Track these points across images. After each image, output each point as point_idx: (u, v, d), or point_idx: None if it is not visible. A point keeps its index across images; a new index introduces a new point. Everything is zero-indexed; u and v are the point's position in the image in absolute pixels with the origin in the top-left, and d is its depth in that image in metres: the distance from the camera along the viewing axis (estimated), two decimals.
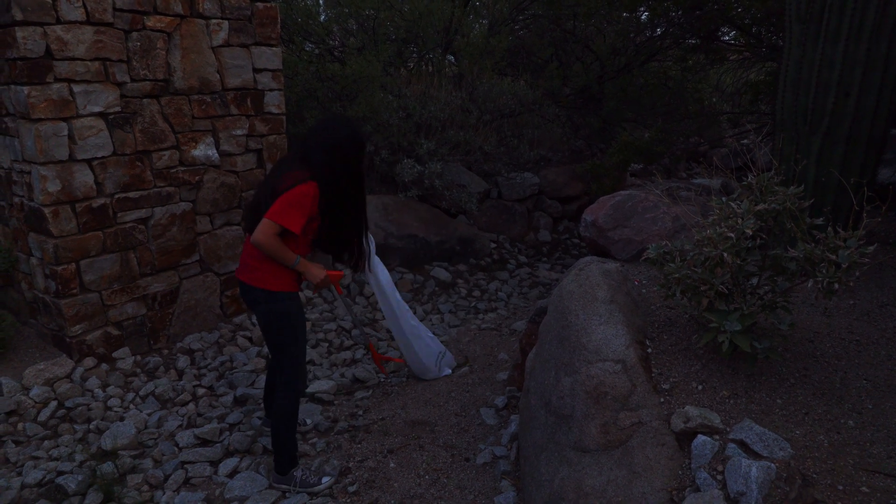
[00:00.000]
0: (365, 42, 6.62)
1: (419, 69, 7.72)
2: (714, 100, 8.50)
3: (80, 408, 3.50)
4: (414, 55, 7.66)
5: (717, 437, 2.04)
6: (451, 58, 7.76)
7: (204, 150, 4.24)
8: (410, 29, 6.89)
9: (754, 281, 2.41)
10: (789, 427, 2.05)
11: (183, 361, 4.07)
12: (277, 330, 2.81)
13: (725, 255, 2.18)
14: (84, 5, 3.50)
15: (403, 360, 3.86)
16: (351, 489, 2.88)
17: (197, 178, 4.24)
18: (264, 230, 2.60)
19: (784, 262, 2.28)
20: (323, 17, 6.99)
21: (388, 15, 6.80)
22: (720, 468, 1.95)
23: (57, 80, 3.47)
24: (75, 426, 3.42)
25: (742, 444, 1.98)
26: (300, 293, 3.07)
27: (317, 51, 6.83)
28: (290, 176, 2.66)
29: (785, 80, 3.22)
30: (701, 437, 2.05)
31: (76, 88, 3.55)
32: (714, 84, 8.66)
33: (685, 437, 2.12)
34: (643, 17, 7.85)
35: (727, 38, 7.67)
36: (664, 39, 7.51)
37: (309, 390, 3.73)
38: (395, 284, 5.36)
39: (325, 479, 2.92)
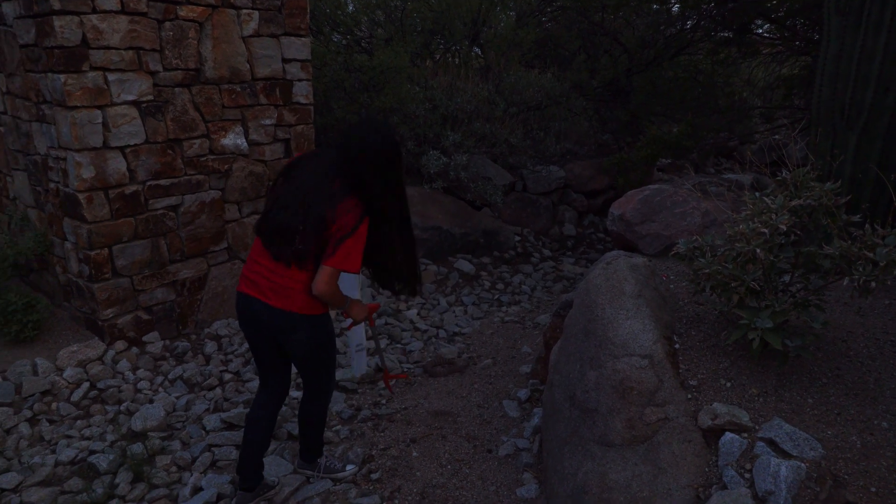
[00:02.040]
0: (392, 33, 6.62)
1: (446, 61, 7.71)
2: (745, 94, 8.35)
3: (111, 389, 3.57)
4: (441, 47, 7.65)
5: (746, 434, 2.02)
6: (478, 50, 7.73)
7: (233, 139, 4.29)
8: (438, 20, 6.88)
9: (786, 278, 2.37)
10: (821, 427, 2.02)
11: (210, 347, 4.13)
12: (317, 356, 2.58)
13: (758, 250, 2.15)
14: None
15: (406, 375, 3.91)
16: (374, 476, 2.90)
17: (226, 166, 4.28)
18: (329, 280, 2.31)
19: (818, 259, 2.24)
20: (351, 8, 7.01)
21: (416, 6, 6.80)
22: (748, 466, 1.93)
23: (92, 68, 3.53)
24: (106, 407, 3.50)
25: (771, 443, 1.95)
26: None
27: (344, 41, 6.85)
28: (341, 204, 2.31)
29: (822, 74, 3.15)
30: (729, 435, 2.03)
31: (111, 77, 3.61)
32: (745, 78, 8.51)
33: (712, 435, 2.10)
34: (674, 9, 7.74)
35: (760, 31, 7.53)
36: (695, 32, 7.40)
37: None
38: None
39: (349, 467, 2.94)
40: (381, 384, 3.80)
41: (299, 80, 4.62)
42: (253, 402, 2.74)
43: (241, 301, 2.50)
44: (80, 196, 3.62)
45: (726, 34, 7.16)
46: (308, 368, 2.62)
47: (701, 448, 2.09)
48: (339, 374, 3.79)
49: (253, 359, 2.70)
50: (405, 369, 4.00)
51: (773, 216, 2.20)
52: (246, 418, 2.69)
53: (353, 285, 3.13)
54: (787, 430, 1.96)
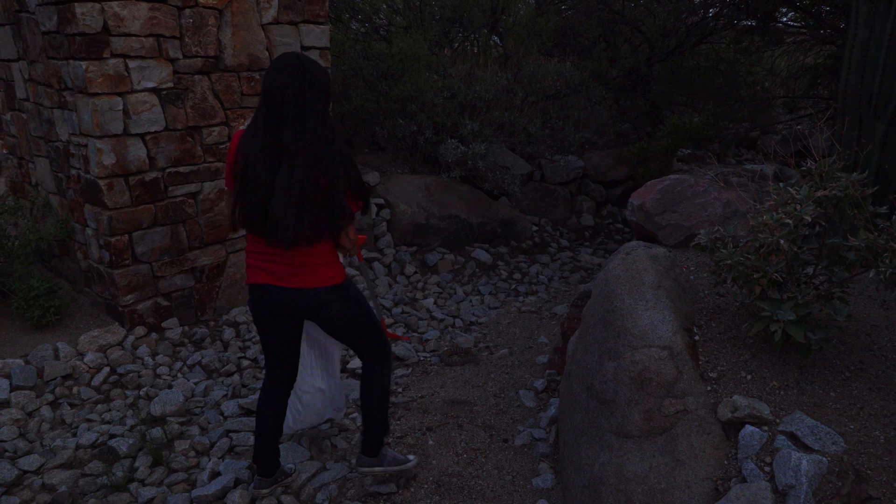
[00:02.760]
0: (411, 21, 6.58)
1: (464, 49, 7.66)
2: (767, 84, 8.21)
3: (130, 374, 3.62)
4: (459, 35, 7.60)
5: (766, 428, 2.00)
6: (497, 38, 7.67)
7: None
8: (457, 8, 6.83)
9: (810, 270, 2.33)
10: (843, 421, 1.98)
11: (228, 333, 4.16)
12: (357, 315, 2.52)
13: (782, 241, 2.11)
14: None
15: (409, 338, 3.86)
16: None
17: None
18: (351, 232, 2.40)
19: (843, 251, 2.20)
20: None
21: None
22: (768, 460, 1.91)
23: (113, 55, 3.55)
24: (126, 392, 3.55)
25: (792, 437, 1.93)
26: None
27: (363, 29, 6.83)
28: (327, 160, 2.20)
29: (849, 62, 3.08)
30: (749, 428, 2.01)
31: (131, 64, 3.63)
32: (768, 67, 8.36)
33: (732, 427, 2.08)
34: None
35: (785, 19, 7.39)
36: (717, 20, 7.27)
37: (350, 367, 3.79)
38: (436, 265, 5.38)
39: (411, 458, 2.77)
40: (398, 372, 3.81)
41: None
42: (261, 392, 2.69)
43: (256, 292, 2.43)
44: (101, 183, 3.66)
45: (749, 22, 7.03)
46: (357, 332, 2.56)
47: (720, 441, 2.07)
48: (355, 363, 3.81)
49: (263, 350, 2.62)
50: (421, 358, 4.01)
51: (798, 207, 2.16)
52: (257, 409, 2.68)
53: None
54: (809, 424, 1.93)
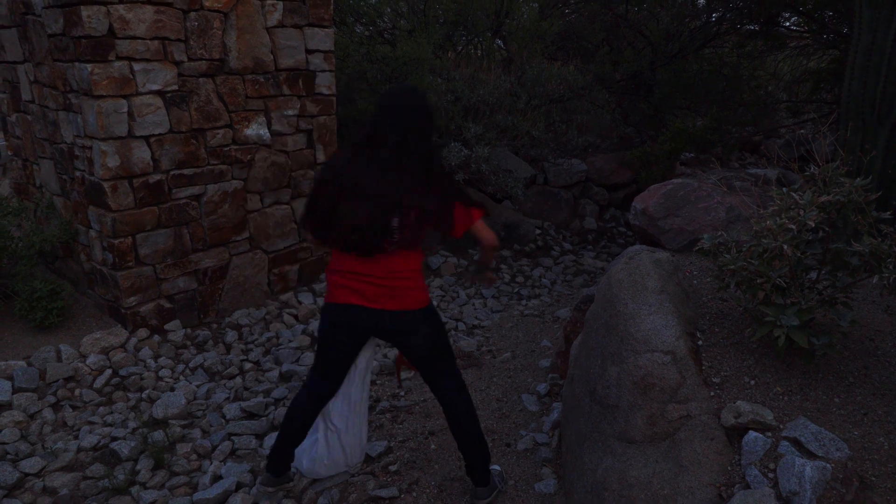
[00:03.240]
0: (415, 24, 6.60)
1: (468, 52, 7.67)
2: (770, 88, 8.20)
3: (133, 377, 3.62)
4: (463, 38, 7.61)
5: (770, 434, 1.99)
6: (501, 42, 7.68)
7: (256, 130, 4.31)
8: (461, 12, 6.84)
9: (814, 275, 2.32)
10: (847, 427, 1.98)
11: (231, 336, 4.17)
12: (440, 338, 2.49)
13: (785, 247, 2.11)
14: None
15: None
16: (392, 468, 2.91)
17: (249, 156, 4.31)
18: (487, 227, 2.44)
19: (847, 256, 2.19)
20: None
21: None
22: (772, 466, 1.90)
23: (118, 58, 3.56)
24: (128, 394, 3.55)
25: (796, 443, 1.92)
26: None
27: (367, 32, 6.84)
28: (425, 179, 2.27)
29: (852, 68, 3.08)
30: (752, 434, 2.00)
31: (136, 67, 3.64)
32: (771, 72, 8.36)
33: (735, 433, 2.07)
34: (700, 1, 7.62)
35: (787, 24, 7.39)
36: (721, 25, 7.28)
37: None
38: (439, 268, 5.38)
39: (496, 467, 2.77)
40: (402, 376, 3.80)
41: (322, 71, 4.63)
42: (296, 398, 2.61)
43: (340, 311, 2.38)
44: (105, 185, 3.67)
45: (753, 27, 7.03)
46: (438, 358, 2.52)
47: (723, 446, 2.06)
48: None
49: (318, 357, 2.55)
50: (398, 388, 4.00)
51: (802, 212, 2.16)
52: (288, 410, 2.61)
53: None
54: (813, 430, 1.93)
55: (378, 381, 3.74)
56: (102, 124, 3.57)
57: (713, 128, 6.25)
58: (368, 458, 2.98)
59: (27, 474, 2.92)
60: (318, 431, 2.70)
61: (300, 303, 4.66)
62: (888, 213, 2.26)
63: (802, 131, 7.90)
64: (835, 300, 2.23)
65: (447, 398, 2.55)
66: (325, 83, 4.67)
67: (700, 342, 2.39)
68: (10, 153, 4.78)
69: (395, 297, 2.33)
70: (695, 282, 2.86)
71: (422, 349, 2.47)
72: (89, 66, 3.47)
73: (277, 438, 2.66)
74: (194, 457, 3.10)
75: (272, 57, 4.29)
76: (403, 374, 3.79)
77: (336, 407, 2.66)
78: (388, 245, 2.26)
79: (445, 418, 2.59)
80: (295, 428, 2.61)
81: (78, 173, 3.91)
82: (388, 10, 6.94)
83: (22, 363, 3.56)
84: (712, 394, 2.19)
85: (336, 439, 2.71)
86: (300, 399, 2.61)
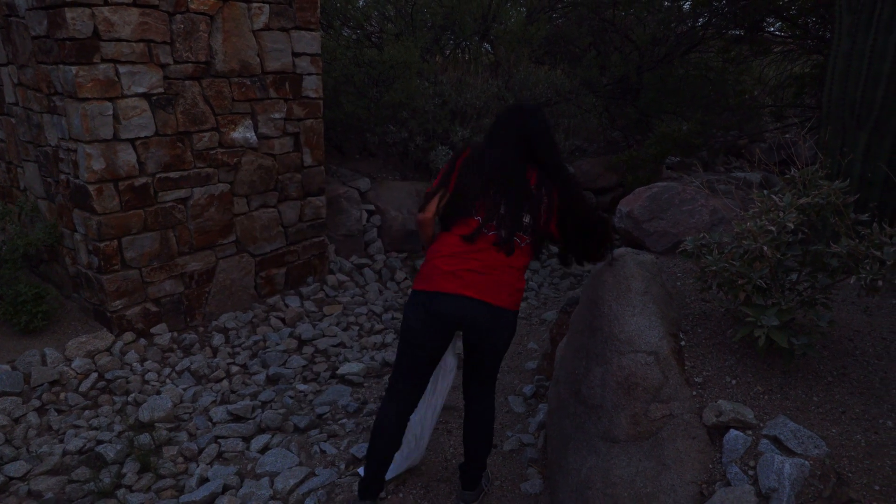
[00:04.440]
0: (402, 28, 6.62)
1: (455, 56, 7.70)
2: (755, 92, 8.30)
3: (119, 380, 3.61)
4: (451, 42, 7.64)
5: (750, 432, 2.02)
6: (488, 46, 7.72)
7: (243, 133, 4.31)
8: (448, 16, 6.87)
9: (794, 276, 2.36)
10: (825, 425, 2.01)
11: (218, 339, 4.16)
12: (508, 347, 2.47)
13: (765, 248, 2.14)
14: None
15: None
16: None
17: (235, 159, 4.30)
18: None
19: (826, 257, 2.23)
20: (361, 3, 7.00)
21: (427, 1, 6.79)
22: (752, 463, 1.93)
23: (103, 60, 3.55)
24: (114, 398, 3.53)
25: (775, 441, 1.95)
26: None
27: (354, 36, 6.85)
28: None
29: (833, 72, 3.13)
30: (733, 432, 2.03)
31: (121, 69, 3.63)
32: (756, 76, 8.45)
33: (717, 431, 2.10)
34: (685, 6, 7.69)
35: (772, 29, 7.48)
36: (706, 30, 7.36)
37: (339, 372, 3.79)
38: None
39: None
40: (387, 377, 3.81)
41: (309, 75, 4.63)
42: (382, 415, 2.44)
43: (442, 301, 2.26)
44: (91, 188, 3.65)
45: (738, 32, 7.11)
46: (498, 364, 2.51)
47: (705, 445, 2.09)
48: (345, 369, 3.81)
49: (406, 367, 2.40)
50: None
51: (781, 214, 2.19)
52: (375, 429, 2.45)
53: None
54: (792, 428, 1.96)
55: (365, 385, 3.75)
56: (87, 127, 3.56)
57: (698, 132, 6.31)
58: (355, 459, 2.99)
59: (11, 478, 2.90)
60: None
61: (287, 306, 4.66)
62: (866, 214, 2.30)
63: (787, 135, 8.00)
64: (814, 301, 2.26)
65: (485, 405, 2.55)
66: (312, 86, 4.68)
67: (683, 342, 2.42)
68: None
69: (501, 293, 2.28)
70: (678, 283, 2.90)
71: (498, 351, 2.42)
72: (74, 69, 3.46)
73: (369, 464, 2.47)
74: (181, 460, 3.09)
75: (259, 60, 4.30)
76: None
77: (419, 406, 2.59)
78: (520, 240, 2.30)
79: (470, 423, 2.54)
80: (383, 445, 2.45)
81: (63, 176, 3.89)
82: (376, 13, 6.96)
83: (6, 367, 3.53)
84: (694, 393, 2.22)
85: (411, 435, 2.69)
86: (387, 416, 2.43)
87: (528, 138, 2.33)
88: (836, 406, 2.09)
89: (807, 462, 1.83)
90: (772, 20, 6.99)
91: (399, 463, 2.72)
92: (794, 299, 2.23)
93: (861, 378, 2.21)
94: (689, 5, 7.38)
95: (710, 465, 2.04)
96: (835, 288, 2.40)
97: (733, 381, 2.23)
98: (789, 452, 1.90)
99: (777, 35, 7.42)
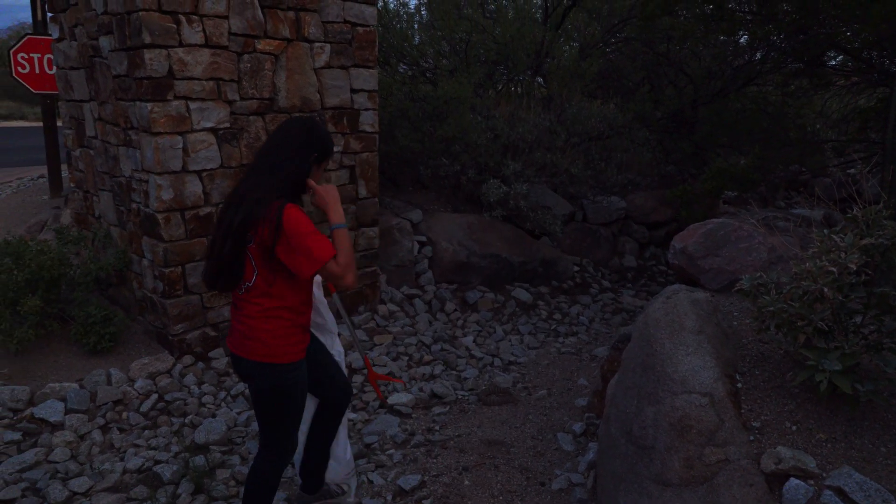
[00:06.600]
0: (456, 64, 6.76)
1: (508, 91, 7.80)
2: (817, 126, 8.08)
3: (177, 402, 3.73)
4: (504, 77, 7.75)
5: (812, 482, 1.95)
6: (541, 80, 7.80)
7: None
8: (501, 51, 6.99)
9: (858, 319, 2.28)
10: (894, 478, 1.92)
11: None
12: (276, 407, 2.41)
13: (826, 289, 2.09)
14: (203, 30, 3.79)
15: (403, 380, 3.88)
16: (425, 503, 2.91)
17: None
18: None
19: (892, 300, 2.15)
20: (417, 40, 7.21)
21: (480, 38, 6.93)
22: None
23: (176, 97, 3.77)
24: (172, 419, 3.65)
25: (840, 492, 1.87)
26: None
27: (410, 72, 7.04)
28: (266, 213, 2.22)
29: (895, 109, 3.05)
30: (794, 481, 1.96)
31: (192, 105, 3.84)
32: (818, 110, 8.24)
33: (776, 480, 2.03)
34: (742, 40, 7.61)
35: (834, 62, 7.31)
36: (764, 63, 7.24)
37: (389, 401, 3.82)
38: (476, 303, 5.41)
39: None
40: (436, 409, 3.82)
41: (366, 110, 4.78)
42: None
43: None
44: (159, 216, 3.84)
45: (797, 65, 6.98)
46: (263, 423, 2.45)
47: (763, 493, 2.02)
48: (394, 399, 3.84)
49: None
50: (459, 396, 4.01)
51: (843, 254, 2.14)
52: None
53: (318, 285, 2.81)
54: (858, 480, 1.88)
55: (413, 416, 3.77)
56: (159, 159, 3.76)
57: (756, 167, 6.18)
58: (402, 491, 2.99)
59: (75, 493, 3.02)
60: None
61: (339, 333, 4.73)
62: None
63: (851, 171, 7.73)
64: (881, 345, 2.18)
65: (263, 457, 2.50)
66: (369, 121, 4.82)
67: (739, 385, 2.36)
68: (72, 185, 5.05)
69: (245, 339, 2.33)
70: (734, 323, 2.83)
71: (253, 401, 2.43)
72: (149, 105, 3.68)
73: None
74: (233, 483, 3.16)
75: (319, 96, 4.47)
76: (381, 385, 3.98)
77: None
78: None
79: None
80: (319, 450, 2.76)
81: (134, 205, 4.11)
82: (431, 50, 7.14)
83: (75, 385, 3.71)
84: (752, 438, 2.16)
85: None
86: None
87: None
88: None
89: None
90: (833, 53, 6.83)
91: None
92: (859, 343, 2.15)
93: None
94: (746, 39, 7.29)
95: None
96: None
97: (793, 427, 2.16)
98: None
99: (839, 69, 7.24)
